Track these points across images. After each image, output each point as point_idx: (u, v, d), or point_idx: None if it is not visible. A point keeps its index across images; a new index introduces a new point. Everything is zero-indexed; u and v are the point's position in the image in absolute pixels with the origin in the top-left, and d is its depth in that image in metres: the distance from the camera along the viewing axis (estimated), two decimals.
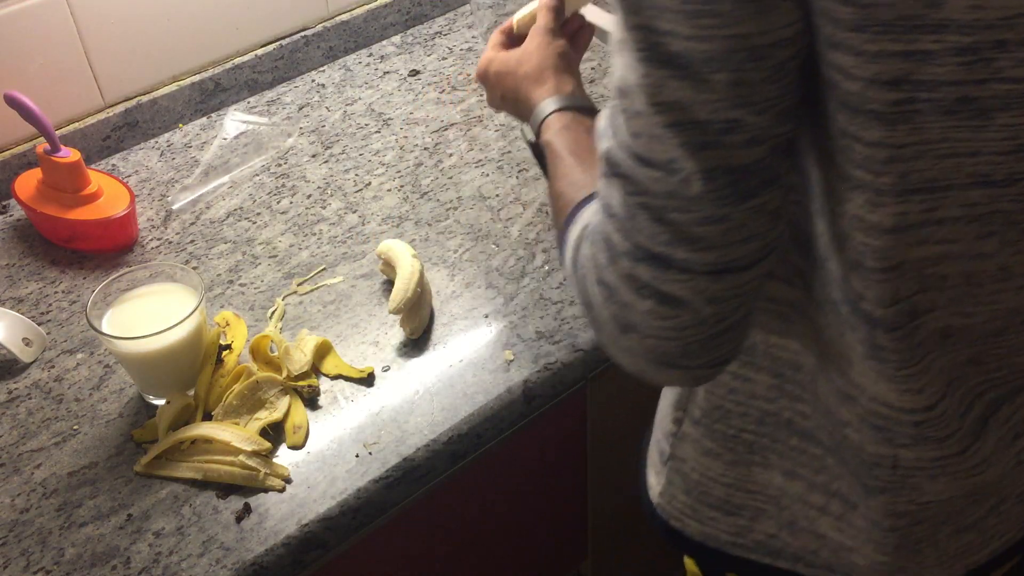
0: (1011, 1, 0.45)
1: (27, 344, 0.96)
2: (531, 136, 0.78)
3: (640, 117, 0.50)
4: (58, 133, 1.14)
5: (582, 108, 0.77)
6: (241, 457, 0.84)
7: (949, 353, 0.59)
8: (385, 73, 1.34)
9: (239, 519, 0.82)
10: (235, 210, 1.13)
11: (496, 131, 1.22)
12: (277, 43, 1.31)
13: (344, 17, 1.36)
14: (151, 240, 1.10)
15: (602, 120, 0.55)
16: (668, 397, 0.75)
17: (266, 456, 0.85)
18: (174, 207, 1.14)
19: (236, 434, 0.85)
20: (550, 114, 0.76)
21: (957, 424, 0.61)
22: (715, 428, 0.70)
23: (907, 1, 0.44)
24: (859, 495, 0.65)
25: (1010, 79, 0.47)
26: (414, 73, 1.34)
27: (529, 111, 0.79)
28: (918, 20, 0.45)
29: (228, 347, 0.94)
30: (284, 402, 0.89)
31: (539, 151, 0.76)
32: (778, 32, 0.47)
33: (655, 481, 0.77)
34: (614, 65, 0.52)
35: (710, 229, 0.50)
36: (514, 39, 0.87)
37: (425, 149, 1.20)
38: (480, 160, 1.18)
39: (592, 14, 0.87)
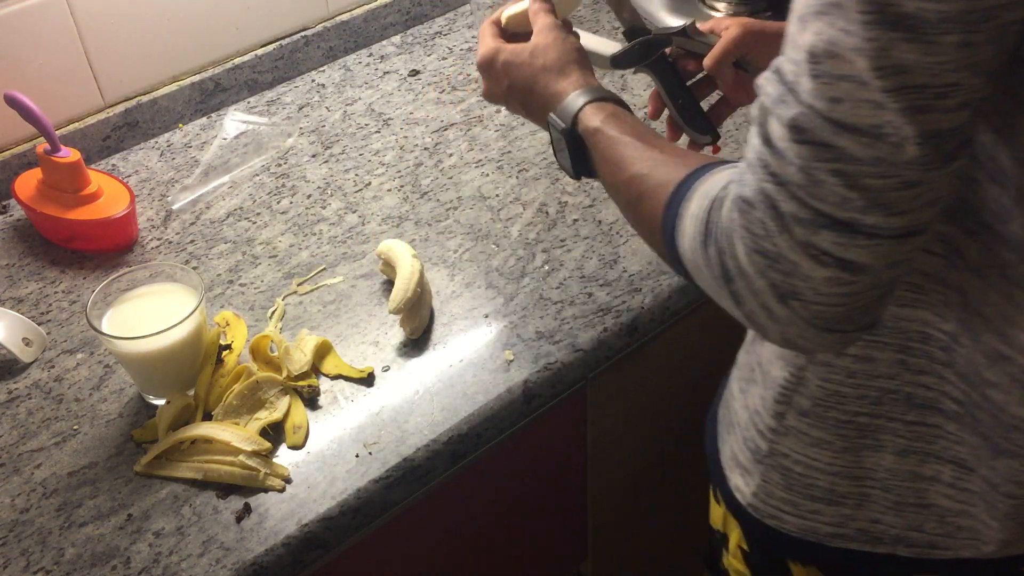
0: None
1: (27, 344, 0.96)
2: (562, 125, 0.76)
3: (846, 81, 0.50)
4: (58, 133, 1.14)
5: (617, 100, 0.77)
6: (241, 457, 0.84)
7: None
8: (385, 73, 1.34)
9: (239, 519, 0.82)
10: (235, 210, 1.13)
11: (496, 131, 1.22)
12: (277, 43, 1.31)
13: (344, 17, 1.36)
14: (151, 240, 1.10)
15: (769, 86, 0.54)
16: (760, 395, 0.75)
17: (266, 456, 0.85)
18: (174, 207, 1.14)
19: (236, 434, 0.85)
20: (587, 104, 0.75)
21: None
22: (827, 416, 0.70)
23: None
24: (984, 457, 0.66)
25: None
26: (414, 73, 1.34)
27: (549, 102, 0.78)
28: None
29: (228, 347, 0.94)
30: (284, 402, 0.89)
31: (576, 139, 0.76)
32: None
33: (744, 482, 0.77)
34: (806, 30, 0.51)
35: (905, 194, 0.51)
36: (506, 35, 0.87)
37: (425, 149, 1.20)
38: (480, 160, 1.18)
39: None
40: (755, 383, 0.76)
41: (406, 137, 1.22)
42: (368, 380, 0.92)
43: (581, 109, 0.75)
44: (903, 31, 0.48)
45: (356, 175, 1.17)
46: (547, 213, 1.09)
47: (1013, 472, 0.65)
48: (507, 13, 0.88)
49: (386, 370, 0.93)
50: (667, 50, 0.89)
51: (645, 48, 0.89)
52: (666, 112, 0.90)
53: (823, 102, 0.51)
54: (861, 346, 0.67)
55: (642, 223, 0.70)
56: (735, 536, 0.83)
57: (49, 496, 0.85)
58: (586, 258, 1.03)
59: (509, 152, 1.19)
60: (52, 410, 0.92)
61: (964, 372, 0.65)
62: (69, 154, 1.06)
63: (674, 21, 1.37)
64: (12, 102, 1.04)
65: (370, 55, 1.38)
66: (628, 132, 0.73)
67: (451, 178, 1.15)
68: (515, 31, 0.87)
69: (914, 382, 0.67)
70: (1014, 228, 0.57)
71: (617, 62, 0.89)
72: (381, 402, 0.91)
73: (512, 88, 0.82)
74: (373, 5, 1.38)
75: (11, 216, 1.15)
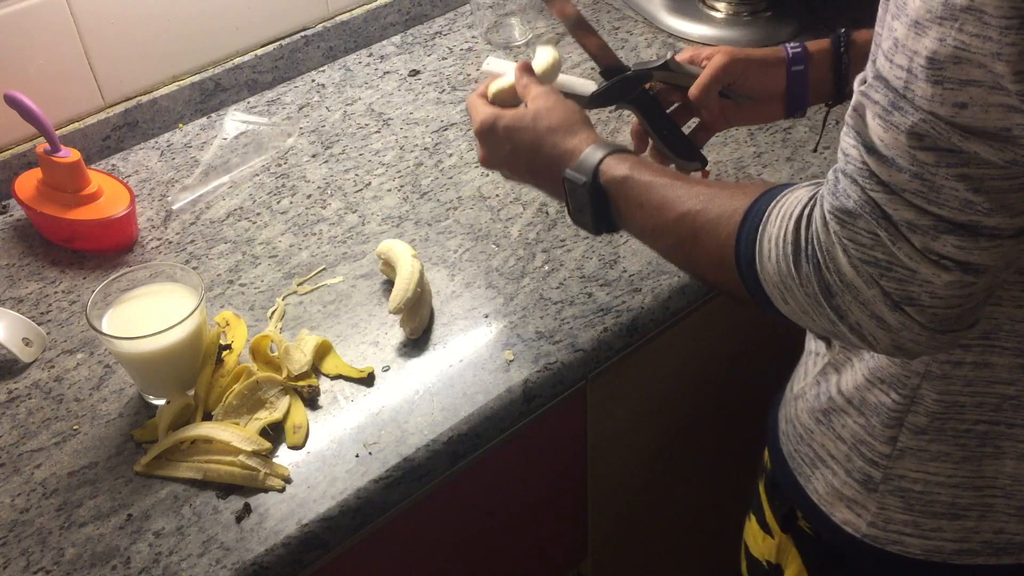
0: None
1: (27, 344, 0.96)
2: (583, 179, 0.75)
3: (975, 86, 0.50)
4: (58, 133, 1.14)
5: (635, 153, 0.77)
6: (241, 457, 0.84)
7: None
8: (385, 73, 1.34)
9: (239, 519, 0.82)
10: (235, 210, 1.13)
11: None
12: (277, 43, 1.31)
13: (344, 17, 1.36)
14: (151, 240, 1.10)
15: (876, 94, 0.54)
16: (859, 424, 0.73)
17: (266, 456, 0.85)
18: (174, 207, 1.14)
19: (236, 434, 0.85)
20: (607, 156, 0.74)
21: None
22: (946, 428, 0.69)
23: None
24: None
25: None
26: (414, 73, 1.34)
27: (561, 161, 0.77)
28: None
29: (228, 347, 0.94)
30: (284, 402, 0.89)
31: (598, 192, 0.74)
32: None
33: (854, 515, 0.76)
34: (924, 35, 0.51)
35: None
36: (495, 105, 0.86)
37: (425, 149, 1.20)
38: None
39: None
40: (843, 413, 0.74)
41: (406, 137, 1.22)
42: (368, 380, 0.92)
43: (602, 161, 0.74)
44: None
45: (356, 175, 1.17)
46: (547, 213, 1.09)
47: None
48: (494, 88, 0.87)
49: (386, 370, 0.93)
50: (647, 84, 0.90)
51: (625, 85, 0.89)
52: (650, 144, 0.91)
53: (947, 108, 0.51)
54: (979, 352, 0.66)
55: (703, 258, 0.68)
56: (794, 567, 0.82)
57: (49, 496, 0.85)
58: (586, 258, 1.03)
59: None
60: (52, 410, 0.92)
61: None
62: (69, 154, 1.06)
63: (674, 21, 1.37)
64: (12, 102, 1.04)
65: (370, 55, 1.38)
66: (661, 175, 0.72)
67: (451, 178, 1.15)
68: (502, 105, 0.86)
69: None
70: None
71: (597, 100, 0.89)
72: (381, 402, 0.91)
73: (516, 152, 0.81)
74: (373, 5, 1.38)
75: (11, 216, 1.15)
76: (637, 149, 0.91)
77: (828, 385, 0.76)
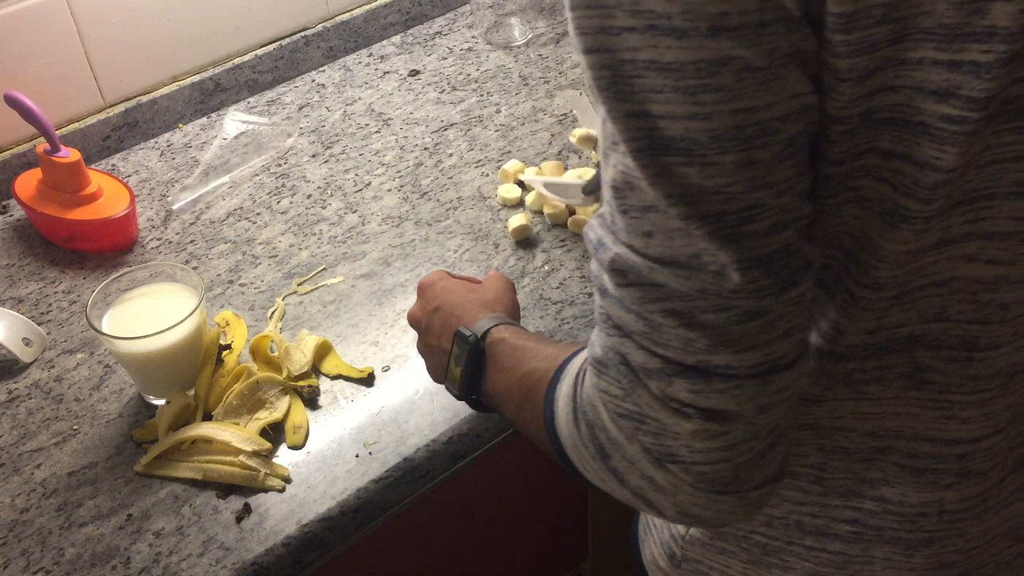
0: None
1: (27, 344, 0.96)
2: (470, 334, 0.73)
3: (651, 212, 0.45)
4: (58, 133, 1.14)
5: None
6: (241, 457, 0.84)
7: (1015, 393, 0.57)
8: (385, 73, 1.34)
9: (239, 519, 0.82)
10: (235, 210, 1.13)
11: (496, 131, 1.22)
12: (277, 43, 1.31)
13: (344, 17, 1.36)
14: (151, 240, 1.10)
15: (591, 232, 0.50)
16: None
17: (266, 456, 0.85)
18: (174, 207, 1.14)
19: (236, 434, 0.85)
20: (498, 324, 0.72)
21: (1004, 456, 0.59)
22: (724, 531, 0.67)
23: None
24: (900, 562, 0.62)
25: None
26: (414, 73, 1.34)
27: (464, 323, 0.74)
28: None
29: (228, 347, 0.94)
30: (284, 402, 0.89)
31: (479, 353, 0.72)
32: (786, 104, 0.43)
33: None
34: (605, 168, 0.47)
35: (750, 326, 0.46)
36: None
37: (425, 149, 1.20)
38: (480, 160, 1.18)
39: None
40: None
41: (406, 137, 1.22)
42: (368, 380, 0.92)
43: (494, 326, 0.71)
44: (677, 155, 0.43)
45: (356, 175, 1.17)
46: (547, 214, 1.09)
47: (935, 558, 0.61)
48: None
49: (386, 370, 0.93)
50: None
51: None
52: None
53: (637, 238, 0.46)
54: None
55: (530, 423, 0.62)
56: None
57: (49, 496, 0.85)
58: (586, 258, 1.03)
59: (509, 152, 1.19)
60: (52, 410, 0.92)
61: (843, 492, 0.61)
62: (69, 154, 1.06)
63: None
64: (12, 102, 1.04)
65: (370, 55, 1.38)
66: (536, 341, 0.68)
67: (451, 178, 1.15)
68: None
69: (799, 511, 0.63)
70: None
71: (589, 189, 0.97)
72: (381, 402, 0.91)
73: (438, 310, 0.78)
74: (373, 5, 1.38)
75: (11, 216, 1.15)
76: None
77: None
